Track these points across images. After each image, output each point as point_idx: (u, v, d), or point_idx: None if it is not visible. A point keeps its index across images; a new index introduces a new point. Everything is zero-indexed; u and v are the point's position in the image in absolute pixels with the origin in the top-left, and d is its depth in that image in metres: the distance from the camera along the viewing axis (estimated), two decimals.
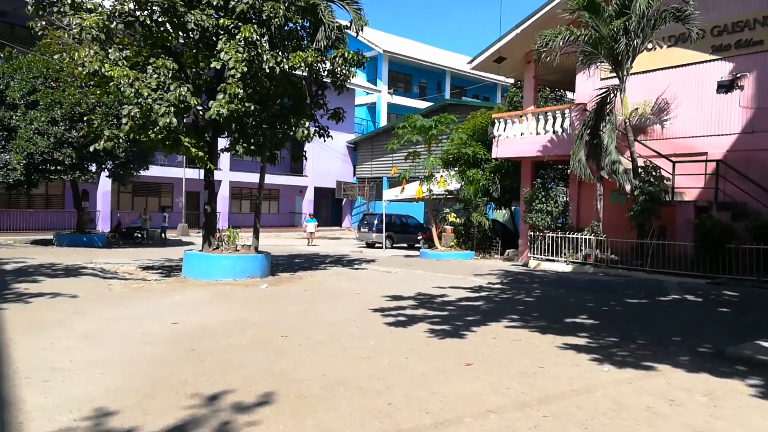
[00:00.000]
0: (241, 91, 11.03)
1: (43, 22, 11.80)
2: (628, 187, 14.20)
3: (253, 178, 30.89)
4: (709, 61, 14.42)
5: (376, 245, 25.61)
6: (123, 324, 7.31)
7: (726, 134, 14.10)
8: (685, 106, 14.91)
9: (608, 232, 15.00)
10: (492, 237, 20.68)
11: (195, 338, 6.57)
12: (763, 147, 13.37)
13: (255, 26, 11.02)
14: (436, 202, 23.04)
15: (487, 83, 47.34)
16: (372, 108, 43.08)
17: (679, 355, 5.82)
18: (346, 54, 12.36)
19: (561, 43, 13.53)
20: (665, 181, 13.76)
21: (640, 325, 7.61)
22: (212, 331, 6.98)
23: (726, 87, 14.00)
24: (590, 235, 15.17)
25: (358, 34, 12.92)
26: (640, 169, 14.01)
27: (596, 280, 13.07)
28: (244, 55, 10.81)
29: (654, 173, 13.84)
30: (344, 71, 13.00)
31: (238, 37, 10.90)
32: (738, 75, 13.84)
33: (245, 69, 10.85)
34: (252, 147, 12.22)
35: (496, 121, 18.41)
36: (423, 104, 39.84)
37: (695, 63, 14.69)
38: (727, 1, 14.07)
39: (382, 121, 40.90)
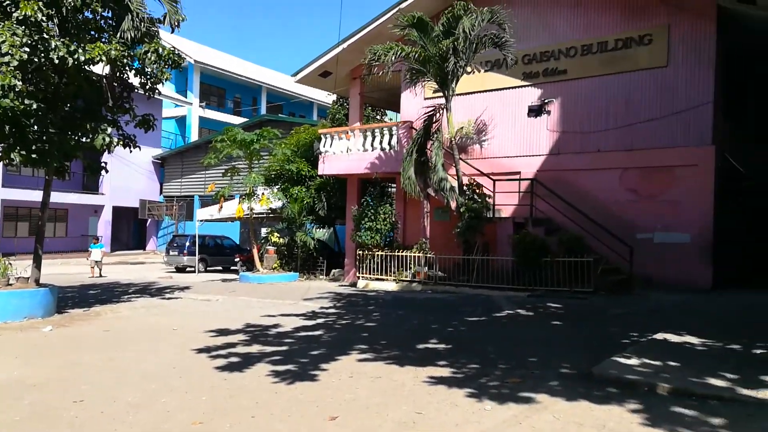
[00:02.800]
0: (19, 83, 8.78)
1: None
2: (453, 205, 14.46)
3: (34, 195, 26.16)
4: (521, 86, 15.46)
5: (188, 269, 23.26)
6: None
7: (536, 155, 15.15)
8: (501, 128, 15.77)
9: (434, 249, 15.12)
10: (317, 257, 19.88)
11: None
12: (567, 167, 14.58)
13: (40, 4, 8.87)
14: (257, 221, 21.60)
15: (304, 101, 47.01)
16: (182, 121, 39.88)
17: (548, 380, 5.48)
18: (160, 50, 10.61)
19: (393, 58, 13.36)
20: (488, 199, 14.26)
21: (493, 345, 7.30)
22: None
23: (535, 111, 15.10)
24: (419, 253, 15.15)
25: (174, 30, 11.21)
26: (465, 187, 14.35)
27: (430, 298, 12.93)
28: (24, 39, 8.62)
29: (477, 191, 14.28)
30: (156, 72, 11.23)
31: (15, 14, 8.68)
32: (546, 101, 15.01)
33: (24, 56, 8.66)
34: (33, 156, 9.85)
35: (322, 136, 17.76)
36: (238, 120, 37.92)
37: (509, 88, 15.64)
38: (536, 32, 15.21)
39: (194, 136, 38.04)
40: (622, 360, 5.83)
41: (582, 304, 11.15)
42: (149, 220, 34.91)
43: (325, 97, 34.21)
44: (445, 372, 5.97)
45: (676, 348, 6.49)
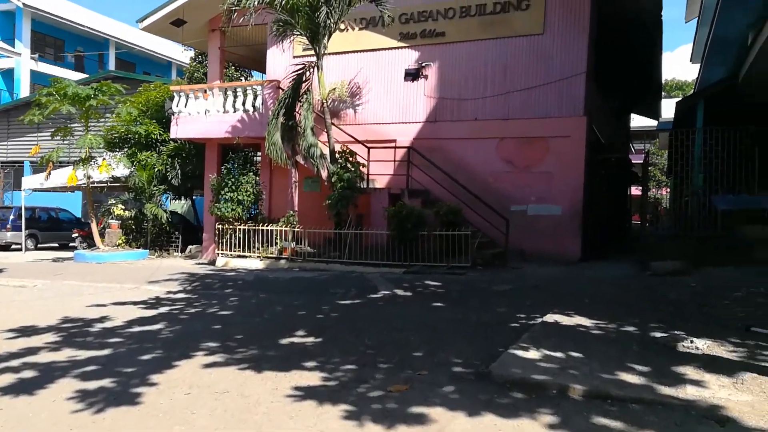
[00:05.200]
0: None
1: None
2: (324, 174, 13.21)
3: None
4: (398, 48, 14.42)
5: (13, 247, 19.77)
6: None
7: (412, 122, 14.30)
8: (376, 92, 14.68)
9: (304, 222, 13.81)
10: (171, 232, 17.64)
11: None
12: (445, 136, 13.90)
13: None
14: (97, 191, 18.79)
15: (161, 61, 42.65)
16: (8, 75, 34.24)
17: (441, 385, 4.47)
18: None
19: (256, 3, 11.61)
20: (361, 168, 13.16)
21: (370, 336, 6.20)
22: None
23: (412, 75, 14.18)
24: (286, 227, 13.73)
25: None
26: (337, 155, 13.11)
27: (298, 277, 11.61)
28: None
29: (351, 159, 13.11)
30: None
31: None
32: (423, 64, 14.12)
33: None
34: None
35: (175, 94, 15.50)
36: (80, 76, 33.21)
37: (386, 49, 14.54)
38: None
39: (24, 92, 32.79)
40: (521, 353, 4.99)
41: (461, 280, 10.49)
42: None
43: (181, 53, 30.95)
44: (314, 379, 4.75)
45: (571, 333, 5.84)
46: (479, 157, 13.55)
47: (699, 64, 23.24)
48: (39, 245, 20.71)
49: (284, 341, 6.14)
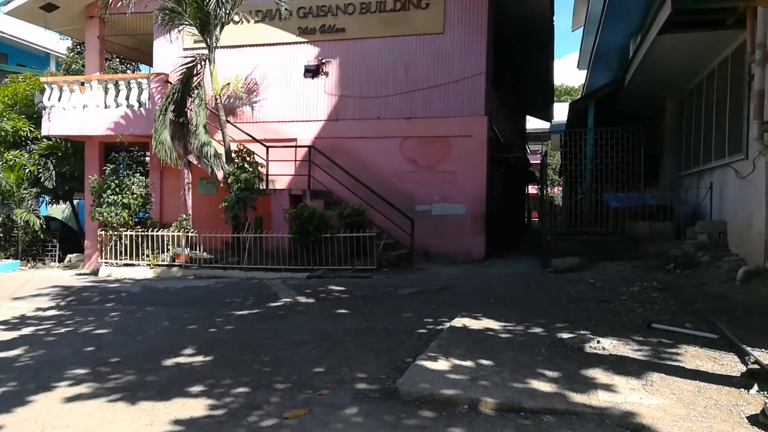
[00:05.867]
0: None
1: None
2: (220, 174, 12.37)
3: None
4: (297, 43, 13.84)
5: None
6: None
7: (314, 120, 13.78)
8: (275, 89, 14.00)
9: (200, 226, 12.87)
10: (47, 239, 15.88)
11: None
12: (347, 135, 13.50)
13: None
14: None
15: (38, 52, 38.74)
16: None
17: (343, 406, 4.02)
18: None
19: None
20: (260, 168, 12.46)
21: (267, 352, 5.64)
22: None
23: (312, 72, 13.66)
24: (179, 232, 12.72)
25: None
26: (233, 154, 12.31)
27: (191, 286, 10.72)
28: None
29: (248, 159, 12.36)
30: None
31: None
32: (323, 61, 13.64)
33: None
34: None
35: (47, 86, 13.93)
36: None
37: (284, 43, 13.90)
38: None
39: None
40: (429, 364, 4.66)
41: (366, 284, 10.11)
42: None
43: (58, 42, 28.35)
44: (199, 408, 4.14)
45: (479, 338, 5.62)
46: (383, 157, 13.30)
47: (586, 70, 24.56)
48: None
49: (168, 362, 5.43)
